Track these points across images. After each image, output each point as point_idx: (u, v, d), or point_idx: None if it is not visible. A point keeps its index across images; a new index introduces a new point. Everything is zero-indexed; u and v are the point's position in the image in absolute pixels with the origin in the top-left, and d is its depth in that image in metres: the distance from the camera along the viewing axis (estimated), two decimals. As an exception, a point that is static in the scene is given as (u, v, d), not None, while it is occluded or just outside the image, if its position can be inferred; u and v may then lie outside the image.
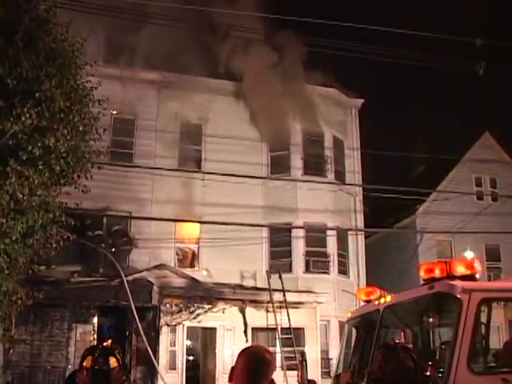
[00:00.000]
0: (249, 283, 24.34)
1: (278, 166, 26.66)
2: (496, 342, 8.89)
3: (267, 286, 22.37)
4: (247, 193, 24.67)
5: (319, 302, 23.23)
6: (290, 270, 25.21)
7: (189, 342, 22.44)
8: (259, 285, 24.16)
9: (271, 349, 21.67)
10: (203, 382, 22.73)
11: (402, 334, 9.33)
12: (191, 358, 22.95)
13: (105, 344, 4.79)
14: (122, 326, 21.58)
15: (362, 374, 8.40)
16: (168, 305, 21.28)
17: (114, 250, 22.12)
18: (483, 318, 7.48)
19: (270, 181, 26.06)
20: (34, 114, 11.78)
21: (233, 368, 3.78)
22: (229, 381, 3.79)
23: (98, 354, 4.56)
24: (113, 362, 4.55)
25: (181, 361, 21.46)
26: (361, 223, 28.09)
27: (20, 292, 13.62)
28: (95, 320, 21.04)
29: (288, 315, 21.46)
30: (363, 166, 28.67)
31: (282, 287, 22.20)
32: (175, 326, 21.44)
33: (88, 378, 4.48)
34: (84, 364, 4.54)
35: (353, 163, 28.39)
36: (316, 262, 25.58)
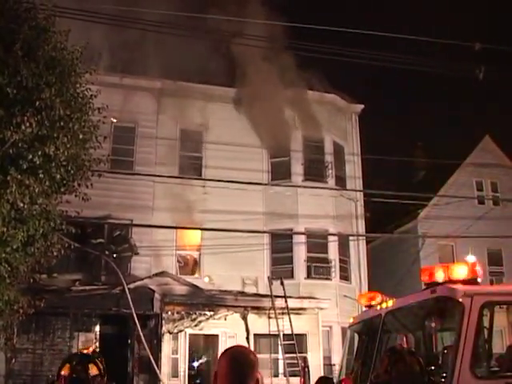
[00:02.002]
0: (250, 290, 24.32)
1: (279, 173, 26.67)
2: (499, 345, 8.87)
3: (269, 293, 22.31)
4: (248, 199, 24.67)
5: (321, 308, 23.18)
6: (291, 276, 25.19)
7: (191, 350, 22.36)
8: (261, 291, 24.13)
9: (273, 355, 21.70)
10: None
11: (404, 339, 9.32)
12: (193, 365, 22.86)
13: (85, 351, 4.55)
14: (123, 334, 21.54)
15: (365, 379, 8.38)
16: (170, 312, 21.23)
17: (115, 256, 22.08)
18: (485, 322, 7.47)
19: (270, 187, 26.07)
20: (34, 122, 11.79)
21: (216, 372, 3.61)
22: None
23: (76, 362, 4.30)
24: (93, 369, 4.29)
25: (183, 368, 21.42)
26: (362, 228, 28.08)
27: (21, 301, 13.61)
28: (97, 328, 20.99)
29: (290, 321, 21.40)
30: (364, 171, 28.68)
31: (284, 293, 22.15)
32: (177, 333, 21.40)
33: None
34: (62, 372, 4.27)
35: (353, 168, 28.39)
36: (318, 268, 25.57)
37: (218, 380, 3.56)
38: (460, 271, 7.58)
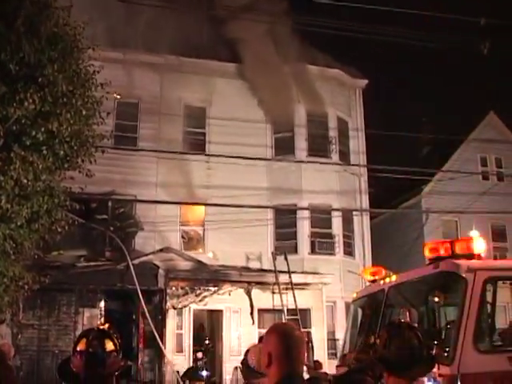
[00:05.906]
0: (254, 265, 24.40)
1: (283, 148, 26.60)
2: (502, 320, 8.90)
3: (273, 268, 22.37)
4: (252, 175, 24.65)
5: (325, 283, 23.24)
6: (295, 251, 25.22)
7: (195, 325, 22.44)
8: (265, 266, 24.20)
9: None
10: (210, 364, 22.82)
11: (408, 314, 9.35)
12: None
13: (101, 326, 4.46)
14: (128, 309, 21.67)
15: (368, 353, 8.42)
16: (174, 288, 21.33)
17: (119, 233, 22.12)
18: (489, 297, 7.49)
19: (274, 162, 26.03)
20: (37, 98, 11.76)
21: (269, 352, 3.61)
22: (267, 366, 3.63)
23: (92, 337, 4.20)
24: (109, 345, 4.21)
25: (187, 343, 21.55)
26: (366, 204, 28.06)
27: (26, 277, 13.64)
28: (102, 304, 21.11)
29: (294, 296, 21.48)
30: (368, 146, 28.61)
31: (288, 269, 22.20)
32: (181, 308, 21.51)
33: (82, 362, 4.11)
34: (78, 348, 4.17)
35: (357, 144, 28.32)
36: (321, 243, 25.59)
37: (274, 359, 3.62)
38: (463, 246, 7.59)
